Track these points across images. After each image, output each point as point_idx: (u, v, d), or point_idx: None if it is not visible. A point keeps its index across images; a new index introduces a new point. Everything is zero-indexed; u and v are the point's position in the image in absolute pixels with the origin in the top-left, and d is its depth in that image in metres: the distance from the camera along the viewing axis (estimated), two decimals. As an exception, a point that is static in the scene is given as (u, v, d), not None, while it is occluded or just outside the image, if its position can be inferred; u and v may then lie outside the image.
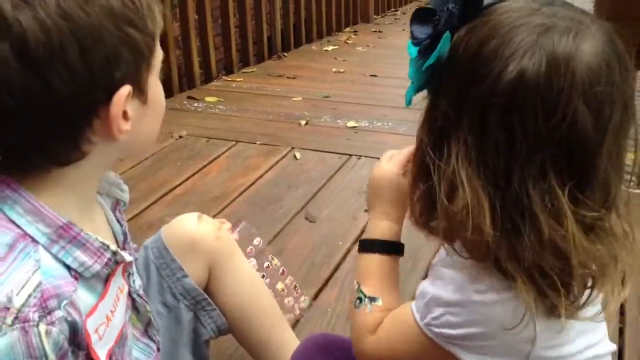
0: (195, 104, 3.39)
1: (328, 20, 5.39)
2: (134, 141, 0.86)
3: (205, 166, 2.57)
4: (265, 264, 1.39)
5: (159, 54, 0.86)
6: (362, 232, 2.08)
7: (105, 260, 0.85)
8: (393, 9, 6.88)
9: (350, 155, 2.69)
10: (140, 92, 0.83)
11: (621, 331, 1.62)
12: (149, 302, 1.15)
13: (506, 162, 0.72)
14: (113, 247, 0.87)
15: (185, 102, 3.42)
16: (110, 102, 0.78)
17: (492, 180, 0.72)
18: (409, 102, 0.81)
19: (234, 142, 2.80)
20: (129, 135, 0.82)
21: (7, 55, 0.71)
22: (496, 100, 0.71)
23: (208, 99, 3.47)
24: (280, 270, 1.41)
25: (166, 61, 3.35)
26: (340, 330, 1.59)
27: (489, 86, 0.71)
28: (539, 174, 0.71)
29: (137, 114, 0.83)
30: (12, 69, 0.72)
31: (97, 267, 0.84)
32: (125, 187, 1.02)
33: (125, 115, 0.80)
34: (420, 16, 0.79)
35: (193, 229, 1.25)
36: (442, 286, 0.82)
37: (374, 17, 6.26)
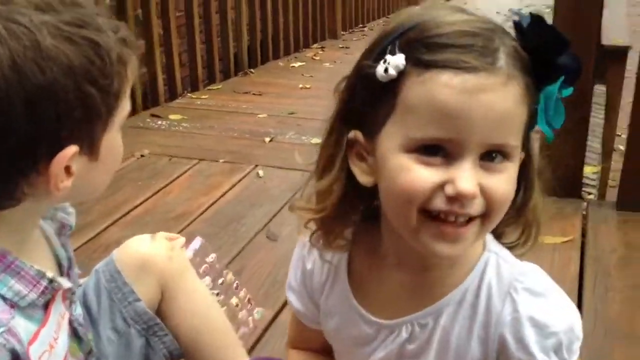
0: (159, 122, 3.37)
1: (295, 36, 5.41)
2: (78, 192, 0.84)
3: (166, 185, 2.54)
4: (220, 280, 1.38)
5: (123, 110, 0.83)
6: (324, 249, 2.08)
7: (42, 288, 0.84)
8: (360, 25, 6.92)
9: (314, 172, 2.68)
10: (90, 150, 0.80)
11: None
12: (100, 328, 1.13)
13: None
14: (50, 274, 0.85)
15: (148, 120, 3.39)
16: (52, 159, 0.76)
17: None
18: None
19: (196, 161, 2.78)
20: (72, 188, 0.80)
21: None
22: None
23: (172, 116, 3.45)
24: (235, 285, 1.40)
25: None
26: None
27: None
28: None
29: (84, 169, 0.81)
30: None
31: (32, 295, 0.82)
32: (72, 210, 1.01)
33: (68, 170, 0.78)
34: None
35: (145, 250, 1.23)
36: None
37: (342, 33, 6.28)
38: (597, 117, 4.18)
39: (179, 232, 2.15)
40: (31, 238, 0.91)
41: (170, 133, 3.21)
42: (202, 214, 2.32)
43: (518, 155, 0.79)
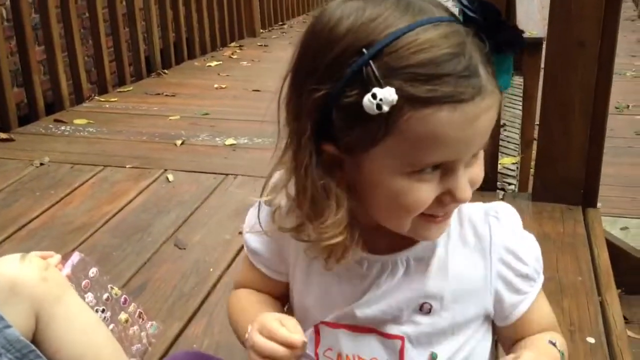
0: (62, 127, 3.17)
1: (212, 35, 5.26)
2: None
3: (67, 195, 2.37)
4: (105, 296, 1.25)
5: None
6: (236, 255, 1.98)
7: None
8: (280, 23, 6.83)
9: (227, 174, 2.57)
10: None
11: (497, 343, 1.58)
12: None
13: None
14: None
15: (51, 126, 3.19)
16: None
17: None
18: None
19: (101, 167, 2.62)
20: None
21: None
22: None
23: (77, 121, 3.26)
24: (122, 300, 1.29)
25: (30, 85, 3.13)
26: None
27: None
28: None
29: None
30: None
31: None
32: None
33: None
34: None
35: (14, 272, 1.10)
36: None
37: (261, 31, 6.17)
38: (516, 109, 4.25)
39: (78, 245, 2.02)
40: None
41: (74, 139, 3.02)
42: (104, 224, 2.17)
43: None
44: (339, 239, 0.81)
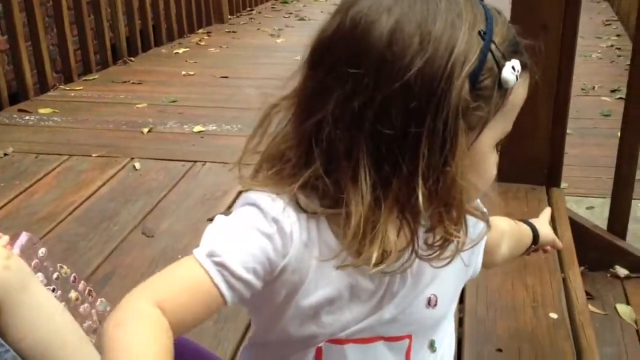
0: (27, 117, 3.12)
1: (179, 22, 5.21)
2: None
3: (31, 185, 2.34)
4: (54, 275, 1.25)
5: None
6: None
7: None
8: (249, 9, 6.78)
9: (195, 161, 2.56)
10: None
11: (461, 321, 1.61)
12: None
13: None
14: None
15: (15, 116, 3.13)
16: None
17: None
18: None
19: (66, 157, 2.58)
20: None
21: None
22: None
23: (42, 110, 3.21)
24: (72, 278, 1.29)
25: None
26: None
27: None
28: None
29: None
30: None
31: None
32: None
33: None
34: None
35: None
36: None
37: (229, 17, 6.12)
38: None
39: (43, 235, 1.99)
40: None
41: (38, 128, 2.98)
42: (70, 213, 2.15)
43: None
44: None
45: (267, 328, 0.87)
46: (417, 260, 0.79)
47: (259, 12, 6.72)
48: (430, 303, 0.86)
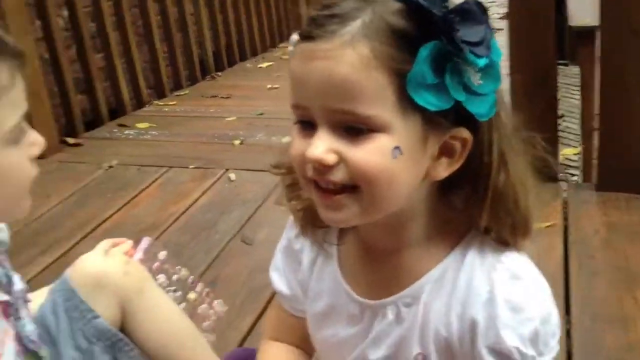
0: (126, 132, 3.28)
1: (262, 36, 5.34)
2: None
3: (136, 196, 2.46)
4: (175, 277, 1.31)
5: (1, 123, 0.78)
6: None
7: None
8: (327, 22, 6.87)
9: (287, 172, 2.62)
10: None
11: (568, 333, 1.58)
12: (61, 348, 1.08)
13: None
14: None
15: (115, 130, 3.30)
16: None
17: None
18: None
19: (166, 169, 2.70)
20: None
21: None
22: None
23: (139, 125, 3.36)
24: (190, 279, 1.35)
25: (92, 91, 3.23)
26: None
27: None
28: None
29: None
30: None
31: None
32: (2, 226, 0.94)
33: None
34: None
35: (98, 267, 1.17)
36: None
37: (309, 30, 6.23)
38: (573, 99, 4.17)
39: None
40: None
41: (138, 142, 3.12)
42: (172, 223, 2.24)
43: (394, 127, 0.73)
44: None
45: None
46: (403, 310, 0.84)
47: (338, 25, 6.78)
48: None
